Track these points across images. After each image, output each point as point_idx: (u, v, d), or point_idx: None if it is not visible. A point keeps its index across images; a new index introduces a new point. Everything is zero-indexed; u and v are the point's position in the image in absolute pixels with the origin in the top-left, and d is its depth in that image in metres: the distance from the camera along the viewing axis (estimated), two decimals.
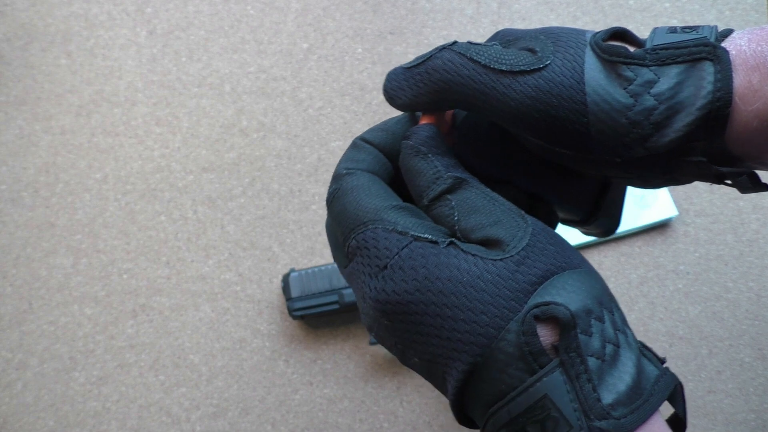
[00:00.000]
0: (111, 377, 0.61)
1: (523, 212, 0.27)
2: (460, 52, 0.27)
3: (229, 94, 0.68)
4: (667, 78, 0.25)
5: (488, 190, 0.27)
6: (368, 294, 0.26)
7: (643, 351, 0.25)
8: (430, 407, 0.60)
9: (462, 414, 0.26)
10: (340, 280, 0.60)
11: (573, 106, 0.26)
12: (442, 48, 0.28)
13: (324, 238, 0.64)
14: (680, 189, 0.65)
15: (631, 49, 0.26)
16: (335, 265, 0.60)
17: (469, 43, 0.28)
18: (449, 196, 0.27)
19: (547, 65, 0.26)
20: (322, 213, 0.65)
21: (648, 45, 0.26)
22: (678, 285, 0.63)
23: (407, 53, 0.69)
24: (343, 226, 0.28)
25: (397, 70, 0.29)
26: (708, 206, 0.65)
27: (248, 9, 0.70)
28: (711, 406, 0.61)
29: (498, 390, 0.24)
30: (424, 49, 0.68)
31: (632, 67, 0.26)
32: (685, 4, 0.69)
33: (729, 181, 0.27)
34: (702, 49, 0.25)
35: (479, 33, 0.68)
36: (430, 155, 0.28)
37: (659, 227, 0.65)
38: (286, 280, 0.60)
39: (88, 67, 0.68)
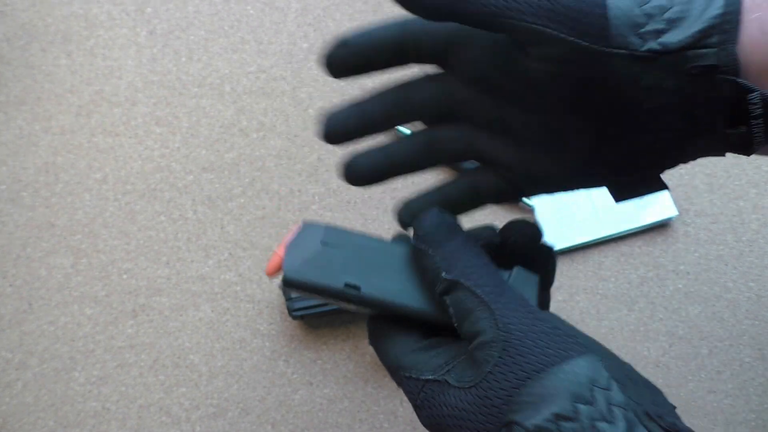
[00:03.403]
0: (111, 377, 0.61)
1: (497, 317, 0.28)
2: None
3: (229, 94, 0.68)
4: None
5: (476, 289, 0.30)
6: (417, 417, 0.32)
7: (646, 422, 0.26)
8: None
9: None
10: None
11: None
12: None
13: None
14: (680, 189, 0.65)
15: None
16: None
17: None
18: (446, 299, 0.31)
19: None
20: (322, 213, 0.65)
21: None
22: (678, 285, 0.63)
23: None
24: (385, 366, 0.34)
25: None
26: (708, 206, 0.65)
27: (248, 9, 0.70)
28: (711, 407, 0.61)
29: None
30: None
31: None
32: None
33: (744, 129, 0.27)
34: None
35: None
36: (430, 251, 0.31)
37: (659, 227, 0.65)
38: None
39: (88, 67, 0.68)
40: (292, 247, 0.34)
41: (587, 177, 0.33)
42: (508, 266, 0.34)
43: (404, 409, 0.60)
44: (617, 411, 0.25)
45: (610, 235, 0.63)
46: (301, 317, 0.60)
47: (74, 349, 0.61)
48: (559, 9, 0.27)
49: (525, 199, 0.64)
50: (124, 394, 0.60)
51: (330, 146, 0.66)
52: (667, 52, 0.26)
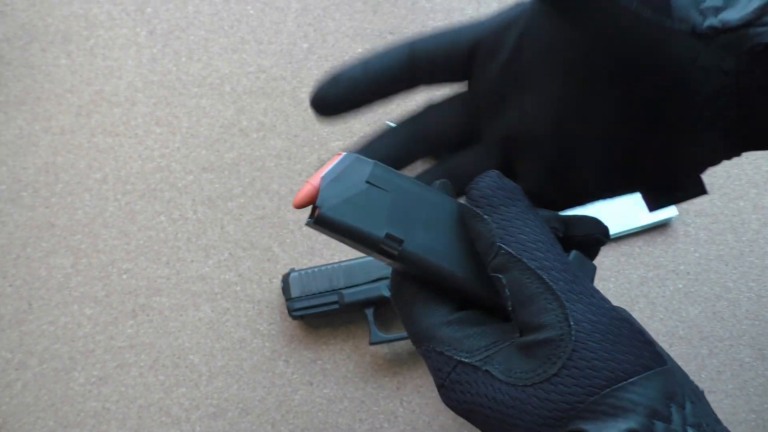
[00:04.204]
0: (111, 377, 0.61)
1: (568, 312, 0.25)
2: None
3: (229, 94, 0.68)
4: None
5: (542, 272, 0.26)
6: (439, 393, 0.29)
7: None
8: (430, 407, 0.60)
9: None
10: (339, 280, 0.60)
11: None
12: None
13: (324, 237, 0.64)
14: None
15: None
16: (335, 265, 0.60)
17: None
18: (501, 277, 0.27)
19: None
20: None
21: None
22: (678, 285, 0.63)
23: None
24: (410, 335, 0.30)
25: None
26: (708, 206, 0.65)
27: (248, 9, 0.70)
28: (711, 407, 0.61)
29: None
30: None
31: None
32: None
33: None
34: None
35: None
36: (486, 216, 0.27)
37: (659, 227, 0.65)
38: (286, 280, 0.60)
39: (88, 67, 0.68)
40: (331, 179, 0.28)
41: (625, 181, 0.31)
42: (565, 249, 0.29)
43: (404, 409, 0.60)
44: (691, 431, 0.24)
45: (610, 235, 0.63)
46: (301, 317, 0.60)
47: (74, 349, 0.61)
48: None
49: None
50: (124, 394, 0.60)
51: (330, 146, 0.67)
52: (727, 29, 0.25)
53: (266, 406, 0.60)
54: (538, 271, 0.26)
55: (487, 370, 0.26)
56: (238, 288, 0.63)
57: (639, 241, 0.64)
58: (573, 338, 0.24)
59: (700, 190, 0.30)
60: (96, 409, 0.60)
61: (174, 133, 0.67)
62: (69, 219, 0.64)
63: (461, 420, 0.60)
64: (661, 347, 0.27)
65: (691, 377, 0.61)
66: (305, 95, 0.68)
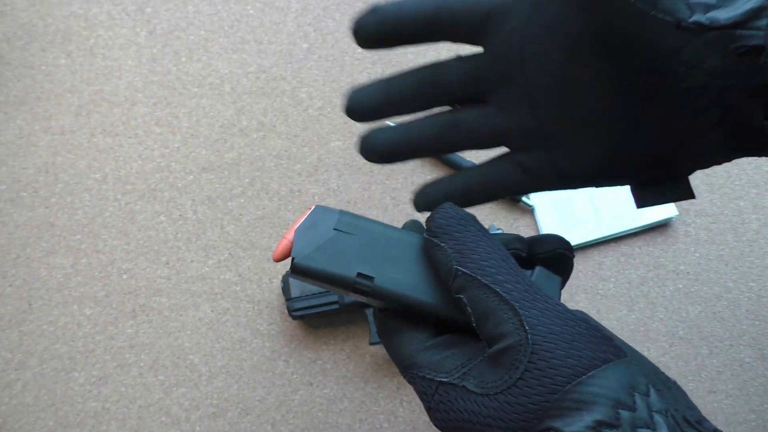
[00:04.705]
0: (111, 377, 0.61)
1: (522, 318, 0.27)
2: None
3: (229, 94, 0.68)
4: None
5: (496, 287, 0.28)
6: (429, 417, 0.31)
7: (686, 428, 0.25)
8: None
9: None
10: None
11: None
12: None
13: None
14: None
15: None
16: None
17: None
18: (462, 297, 0.29)
19: None
20: None
21: None
22: (678, 285, 0.63)
23: (407, 53, 0.69)
24: (395, 363, 0.32)
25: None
26: (708, 206, 0.65)
27: (248, 9, 0.70)
28: (711, 407, 0.61)
29: None
30: (424, 49, 0.68)
31: None
32: None
33: None
34: None
35: None
36: (442, 244, 0.30)
37: (659, 227, 0.65)
38: (286, 280, 0.60)
39: (87, 67, 0.68)
40: (302, 231, 0.32)
41: (614, 169, 0.32)
42: (529, 266, 0.32)
43: (404, 409, 0.60)
44: (658, 417, 0.24)
45: (610, 235, 0.63)
46: (301, 317, 0.60)
47: (74, 349, 0.61)
48: None
49: (525, 199, 0.64)
50: (124, 394, 0.60)
51: (330, 146, 0.67)
52: (713, 27, 0.25)
53: (266, 406, 0.60)
54: (492, 286, 0.28)
55: (464, 386, 0.28)
56: (238, 288, 0.63)
57: (639, 241, 0.64)
58: (530, 341, 0.26)
59: (686, 193, 0.31)
60: (96, 409, 0.60)
61: (174, 133, 0.67)
62: (69, 219, 0.64)
63: None
64: (621, 340, 0.28)
65: (691, 377, 0.61)
66: (305, 95, 0.68)
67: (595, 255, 0.64)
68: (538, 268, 0.32)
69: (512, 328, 0.27)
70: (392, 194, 0.65)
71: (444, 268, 0.29)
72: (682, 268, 0.64)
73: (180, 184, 0.65)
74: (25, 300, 0.62)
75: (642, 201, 0.32)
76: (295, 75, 0.68)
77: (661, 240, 0.64)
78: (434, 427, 0.60)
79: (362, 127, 0.67)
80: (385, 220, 0.65)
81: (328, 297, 0.59)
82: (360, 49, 0.69)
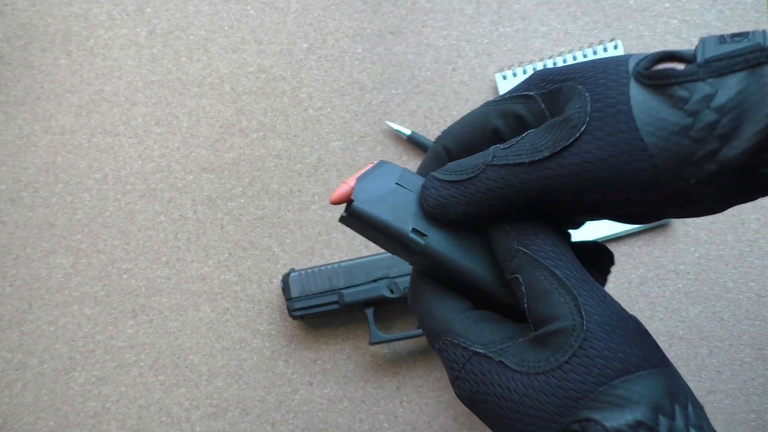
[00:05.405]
0: (111, 377, 0.61)
1: (580, 304, 0.27)
2: (503, 165, 0.28)
3: (229, 94, 0.68)
4: (727, 89, 0.25)
5: (557, 270, 0.28)
6: (453, 386, 0.30)
7: None
8: (430, 407, 0.60)
9: None
10: (339, 280, 0.60)
11: (629, 149, 0.26)
12: (485, 166, 0.29)
13: (323, 237, 0.64)
14: None
15: (681, 66, 0.26)
16: (335, 265, 0.60)
17: (502, 148, 0.29)
18: (519, 276, 0.28)
19: (582, 133, 0.27)
20: (322, 213, 0.65)
21: (699, 59, 0.25)
22: (678, 285, 0.63)
23: (407, 53, 0.69)
24: (426, 332, 0.31)
25: (435, 183, 0.30)
26: None
27: (248, 9, 0.70)
28: (711, 407, 0.61)
29: None
30: (424, 50, 0.68)
31: (685, 85, 0.25)
32: (685, 3, 0.69)
33: None
34: (759, 54, 0.24)
35: (479, 33, 0.68)
36: (507, 225, 0.30)
37: (659, 227, 0.65)
38: (285, 280, 0.60)
39: (88, 67, 0.68)
40: (364, 180, 0.32)
41: (617, 218, 0.32)
42: None
43: (404, 409, 0.60)
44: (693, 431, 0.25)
45: (610, 235, 0.63)
46: (301, 317, 0.60)
47: (74, 349, 0.61)
48: (600, 182, 0.26)
49: None
50: (124, 394, 0.60)
51: (330, 146, 0.67)
52: (725, 171, 0.25)
53: (266, 406, 0.60)
54: (553, 269, 0.27)
55: (501, 361, 0.27)
56: (238, 288, 0.63)
57: (639, 241, 0.64)
58: (584, 328, 0.26)
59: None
60: (96, 409, 0.60)
61: (174, 133, 0.67)
62: (69, 219, 0.64)
63: (461, 420, 0.60)
64: (665, 355, 0.28)
65: (691, 377, 0.61)
66: (305, 95, 0.68)
67: None
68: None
69: (567, 311, 0.26)
70: None
71: (503, 246, 0.29)
72: (682, 268, 0.64)
73: (180, 184, 0.65)
74: (25, 300, 0.62)
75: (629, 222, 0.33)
76: (295, 75, 0.68)
77: (661, 240, 0.64)
78: (434, 428, 0.60)
79: (362, 129, 0.67)
80: None
81: (328, 297, 0.59)
82: (360, 49, 0.69)
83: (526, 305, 0.28)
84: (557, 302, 0.27)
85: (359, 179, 0.32)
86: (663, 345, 0.62)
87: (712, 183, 0.26)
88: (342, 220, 0.32)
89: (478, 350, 0.28)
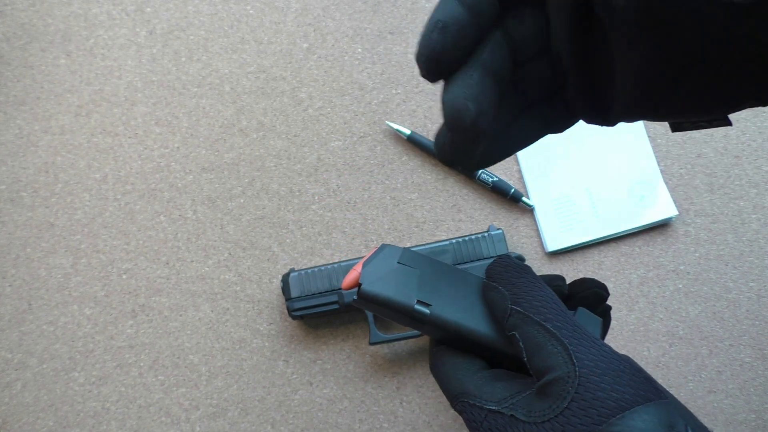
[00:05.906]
0: (110, 377, 0.61)
1: (571, 353, 0.29)
2: None
3: (228, 94, 0.68)
4: None
5: (547, 324, 0.30)
6: None
7: None
8: (430, 407, 0.60)
9: None
10: (339, 280, 0.60)
11: None
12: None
13: (323, 237, 0.64)
14: (680, 189, 0.65)
15: None
16: (335, 265, 0.60)
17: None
18: (515, 333, 0.31)
19: None
20: (322, 213, 0.65)
21: None
22: (678, 285, 0.63)
23: (407, 53, 0.69)
24: (445, 394, 0.35)
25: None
26: (708, 206, 0.65)
27: (248, 9, 0.70)
28: (711, 407, 0.61)
29: None
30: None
31: None
32: None
33: None
34: None
35: None
36: (500, 287, 0.33)
37: (659, 227, 0.64)
38: (285, 280, 0.60)
39: (87, 67, 0.68)
40: (369, 264, 0.36)
41: (652, 109, 0.29)
42: (571, 307, 0.36)
43: (404, 409, 0.60)
44: None
45: (610, 235, 0.63)
46: (301, 317, 0.60)
47: (74, 349, 0.61)
48: None
49: (525, 199, 0.64)
50: (124, 394, 0.60)
51: (330, 146, 0.67)
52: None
53: (266, 406, 0.60)
54: (544, 323, 0.30)
55: (512, 415, 0.30)
56: (238, 288, 0.63)
57: (639, 241, 0.64)
58: (578, 374, 0.28)
59: (722, 120, 0.29)
60: (96, 409, 0.60)
61: (174, 133, 0.67)
62: (69, 219, 0.64)
63: (461, 420, 0.60)
64: (661, 385, 0.30)
65: (691, 377, 0.61)
66: (305, 95, 0.68)
67: (595, 255, 0.64)
68: (580, 309, 0.35)
69: (561, 361, 0.29)
70: (392, 194, 0.65)
71: (500, 307, 0.32)
72: (682, 268, 0.64)
73: (180, 184, 0.65)
74: (25, 300, 0.62)
75: (677, 128, 0.31)
76: (295, 75, 0.68)
77: (661, 240, 0.64)
78: (434, 428, 0.60)
79: (362, 129, 0.67)
80: (385, 220, 0.65)
81: (328, 297, 0.59)
82: (360, 49, 0.69)
83: (525, 359, 0.31)
84: (551, 353, 0.29)
85: (365, 264, 0.36)
86: (663, 345, 0.62)
87: (751, 17, 0.23)
88: (354, 302, 0.35)
89: (492, 408, 0.31)
